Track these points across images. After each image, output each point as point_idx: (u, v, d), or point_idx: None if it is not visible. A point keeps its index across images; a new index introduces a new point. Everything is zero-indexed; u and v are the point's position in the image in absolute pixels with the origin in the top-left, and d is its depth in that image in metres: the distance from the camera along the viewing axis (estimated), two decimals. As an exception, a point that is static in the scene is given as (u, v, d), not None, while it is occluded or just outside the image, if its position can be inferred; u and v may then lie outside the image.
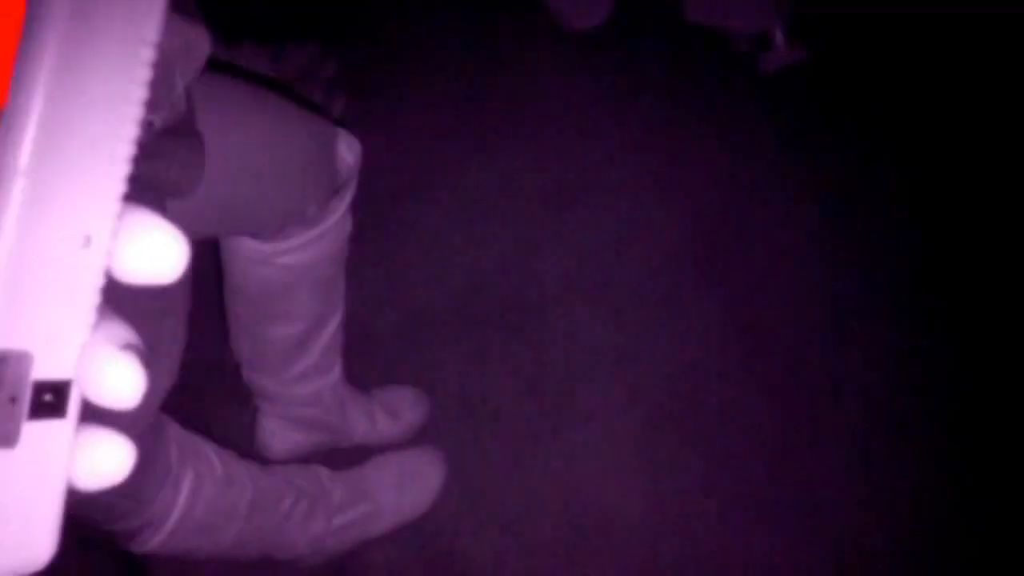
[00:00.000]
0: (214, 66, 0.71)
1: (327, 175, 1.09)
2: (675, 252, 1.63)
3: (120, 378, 0.27)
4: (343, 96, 1.70)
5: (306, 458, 1.41)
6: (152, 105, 0.64)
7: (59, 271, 0.27)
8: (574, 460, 1.47)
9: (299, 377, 1.31)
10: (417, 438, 1.47)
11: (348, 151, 1.11)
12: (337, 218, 1.14)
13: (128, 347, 0.28)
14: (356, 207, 1.17)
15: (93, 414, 0.29)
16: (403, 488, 1.40)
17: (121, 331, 0.28)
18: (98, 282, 0.27)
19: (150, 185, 0.73)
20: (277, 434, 1.41)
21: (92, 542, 1.19)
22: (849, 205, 1.69)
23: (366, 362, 1.53)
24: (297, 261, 1.13)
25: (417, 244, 1.64)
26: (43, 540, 0.29)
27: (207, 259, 1.23)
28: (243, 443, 1.38)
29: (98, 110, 0.26)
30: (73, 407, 0.28)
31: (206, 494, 1.03)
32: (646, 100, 1.78)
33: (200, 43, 0.67)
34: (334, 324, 1.29)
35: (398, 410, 1.48)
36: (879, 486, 1.45)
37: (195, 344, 1.05)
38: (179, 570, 1.32)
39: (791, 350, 1.55)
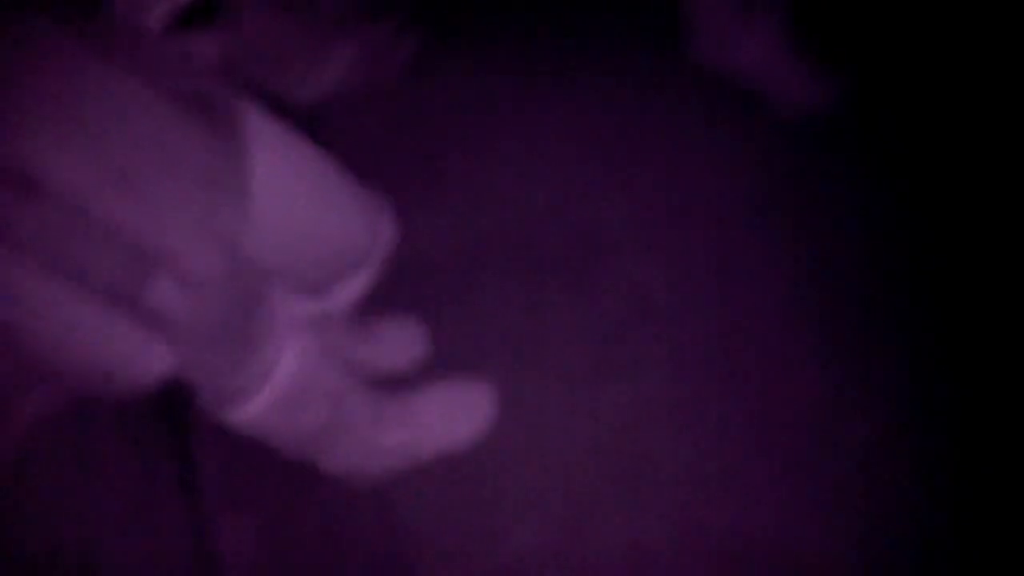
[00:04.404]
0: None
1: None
2: (737, 212, 1.62)
3: None
4: (414, 34, 1.71)
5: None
6: None
7: None
8: (619, 409, 1.48)
9: None
10: (467, 371, 1.47)
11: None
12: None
13: None
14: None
15: None
16: (449, 418, 1.41)
17: None
18: None
19: None
20: None
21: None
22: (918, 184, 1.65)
23: (417, 298, 1.54)
24: None
25: (476, 187, 1.66)
26: None
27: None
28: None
29: None
30: None
31: (305, 366, 1.02)
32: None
33: None
34: None
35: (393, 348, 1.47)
36: (920, 469, 1.43)
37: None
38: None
39: (848, 323, 1.53)
